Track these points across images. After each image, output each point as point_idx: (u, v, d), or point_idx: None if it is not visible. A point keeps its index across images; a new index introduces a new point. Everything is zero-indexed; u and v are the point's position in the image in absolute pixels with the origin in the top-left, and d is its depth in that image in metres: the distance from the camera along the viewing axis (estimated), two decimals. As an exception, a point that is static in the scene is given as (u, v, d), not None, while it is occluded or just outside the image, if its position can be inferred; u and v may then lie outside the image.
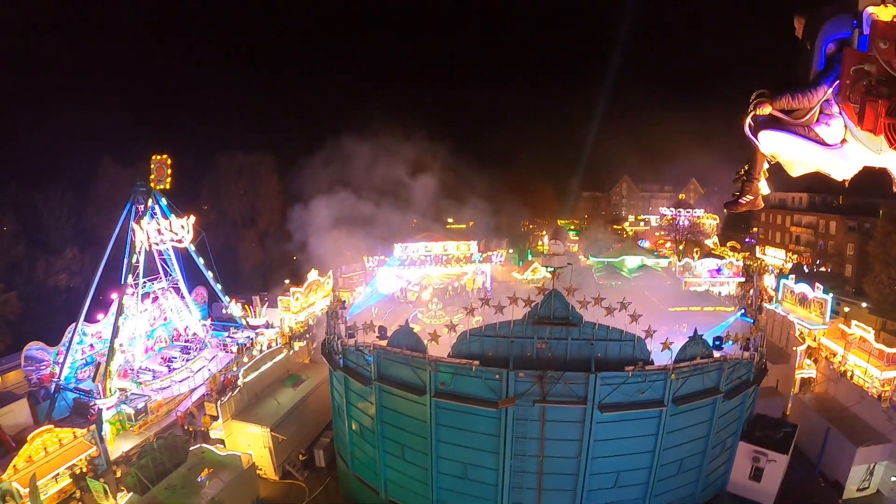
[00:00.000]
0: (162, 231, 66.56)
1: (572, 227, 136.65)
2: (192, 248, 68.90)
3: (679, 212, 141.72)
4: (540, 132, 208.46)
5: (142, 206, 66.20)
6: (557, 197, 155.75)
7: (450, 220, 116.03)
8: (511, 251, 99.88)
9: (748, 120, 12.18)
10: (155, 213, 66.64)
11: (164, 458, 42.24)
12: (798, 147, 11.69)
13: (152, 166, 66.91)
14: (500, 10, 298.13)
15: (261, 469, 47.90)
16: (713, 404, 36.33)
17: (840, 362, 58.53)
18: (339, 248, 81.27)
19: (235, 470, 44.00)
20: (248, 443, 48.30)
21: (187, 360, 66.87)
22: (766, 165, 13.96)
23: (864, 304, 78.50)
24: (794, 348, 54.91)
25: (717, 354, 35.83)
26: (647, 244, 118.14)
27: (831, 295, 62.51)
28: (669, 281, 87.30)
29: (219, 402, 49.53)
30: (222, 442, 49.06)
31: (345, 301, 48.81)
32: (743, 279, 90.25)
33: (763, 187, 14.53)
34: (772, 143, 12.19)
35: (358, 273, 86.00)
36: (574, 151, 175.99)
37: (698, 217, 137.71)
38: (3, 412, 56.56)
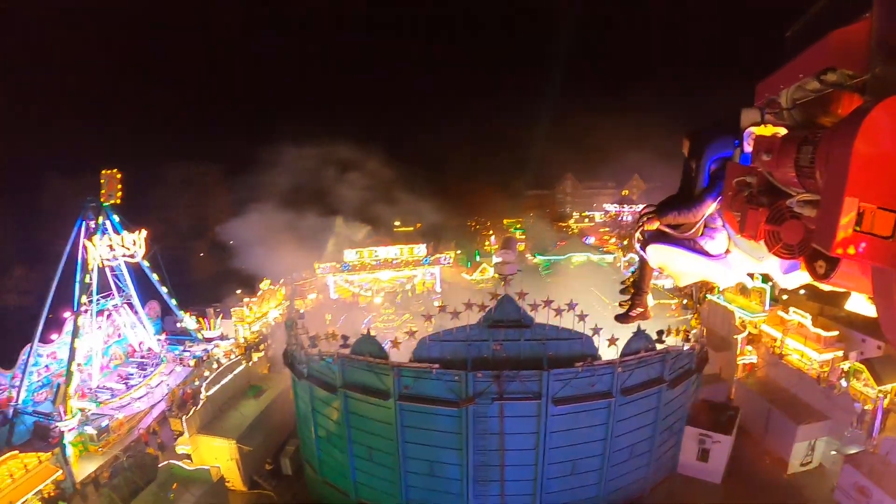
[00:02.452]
0: (114, 247, 67.36)
1: (518, 226, 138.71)
2: (144, 262, 69.99)
3: (623, 208, 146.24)
4: (482, 132, 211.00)
5: (92, 223, 66.96)
6: (503, 196, 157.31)
7: (396, 224, 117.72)
8: (459, 252, 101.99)
9: (637, 234, 13.17)
10: (106, 230, 67.46)
11: (136, 476, 44.23)
12: (685, 259, 12.53)
13: (102, 181, 67.27)
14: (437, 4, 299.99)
15: (229, 481, 49.50)
16: (658, 393, 39.83)
17: (779, 347, 62.90)
18: (290, 255, 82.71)
19: (205, 484, 45.84)
20: (215, 456, 49.78)
21: (144, 376, 68.00)
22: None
23: (801, 291, 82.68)
24: (736, 336, 58.92)
25: (659, 347, 39.25)
26: (592, 241, 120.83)
27: (770, 284, 66.32)
28: (615, 276, 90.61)
29: (183, 418, 51.01)
30: (189, 457, 50.35)
31: (302, 311, 50.93)
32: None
33: (650, 300, 16.01)
34: (660, 256, 13.17)
35: (309, 280, 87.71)
36: (517, 150, 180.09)
37: (646, 206, 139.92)
38: None
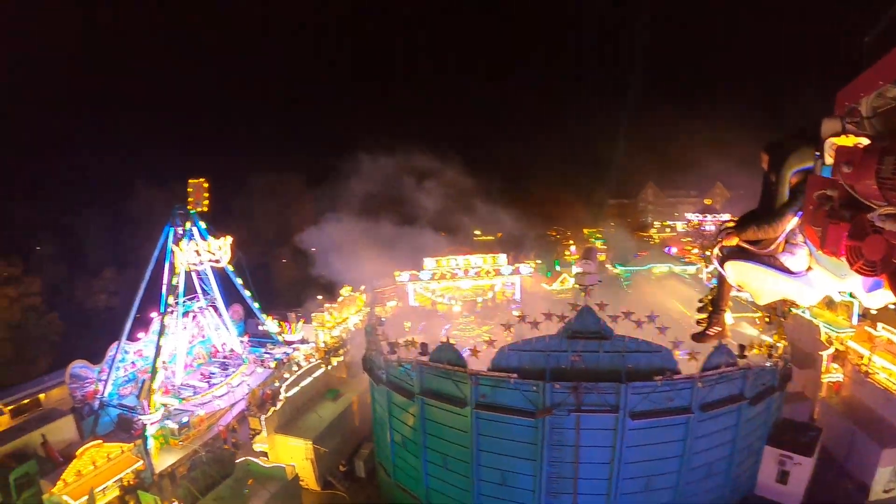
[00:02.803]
0: (200, 252, 69.89)
1: (598, 236, 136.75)
2: (229, 267, 72.26)
3: (705, 217, 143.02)
4: (564, 140, 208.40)
5: (180, 229, 69.70)
6: (583, 205, 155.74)
7: (477, 233, 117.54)
8: (539, 262, 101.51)
9: (715, 251, 13.15)
10: (193, 236, 70.03)
11: (213, 470, 45.69)
12: (764, 276, 12.34)
13: (189, 189, 70.14)
14: (515, 13, 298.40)
15: (303, 480, 50.89)
16: (738, 410, 39.20)
17: (866, 364, 60.86)
18: (371, 263, 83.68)
19: (280, 481, 47.26)
20: (291, 455, 51.31)
21: (226, 376, 70.33)
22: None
23: (891, 306, 79.50)
24: (821, 353, 57.33)
25: (741, 362, 38.68)
26: (674, 251, 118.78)
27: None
28: (697, 288, 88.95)
29: (262, 417, 52.82)
30: (265, 454, 52.27)
31: (382, 318, 51.84)
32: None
33: (728, 318, 15.46)
34: (739, 273, 12.96)
35: (389, 288, 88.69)
36: (599, 158, 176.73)
37: (725, 222, 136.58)
38: (51, 428, 60.18)
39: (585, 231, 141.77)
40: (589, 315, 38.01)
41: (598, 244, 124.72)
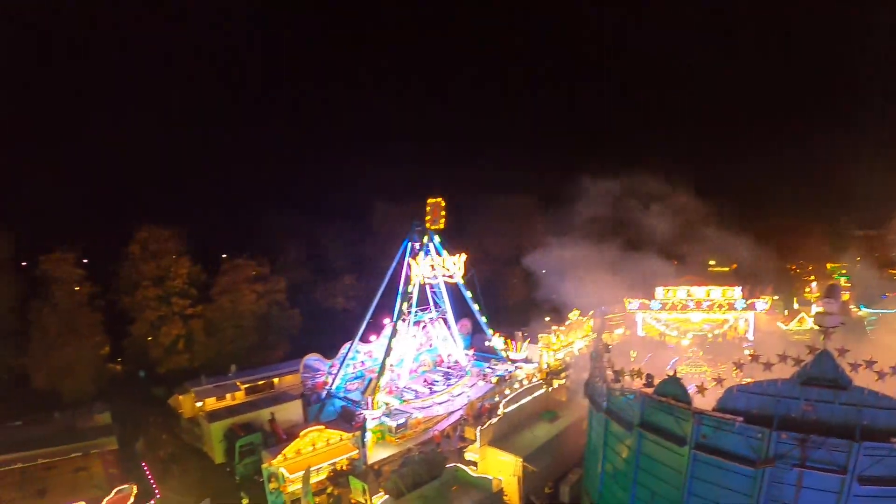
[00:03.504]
0: (435, 267, 74.69)
1: (843, 272, 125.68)
2: (461, 282, 76.33)
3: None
4: (807, 161, 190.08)
5: (417, 244, 75.05)
6: (827, 236, 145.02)
7: (711, 263, 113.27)
8: (776, 297, 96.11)
9: None
10: (429, 251, 74.95)
11: (422, 470, 48.70)
12: None
13: (428, 208, 75.83)
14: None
15: (507, 495, 52.53)
16: None
17: None
18: (599, 288, 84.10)
19: (485, 492, 49.86)
20: (500, 469, 53.50)
21: (448, 385, 74.55)
22: None
23: None
24: None
25: None
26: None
27: None
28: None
29: (478, 428, 55.55)
30: (475, 464, 54.78)
31: (609, 345, 52.64)
32: None
33: None
34: None
35: (618, 315, 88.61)
36: (846, 183, 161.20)
37: None
38: (280, 408, 67.73)
39: (829, 266, 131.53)
40: (827, 361, 35.41)
41: (843, 281, 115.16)
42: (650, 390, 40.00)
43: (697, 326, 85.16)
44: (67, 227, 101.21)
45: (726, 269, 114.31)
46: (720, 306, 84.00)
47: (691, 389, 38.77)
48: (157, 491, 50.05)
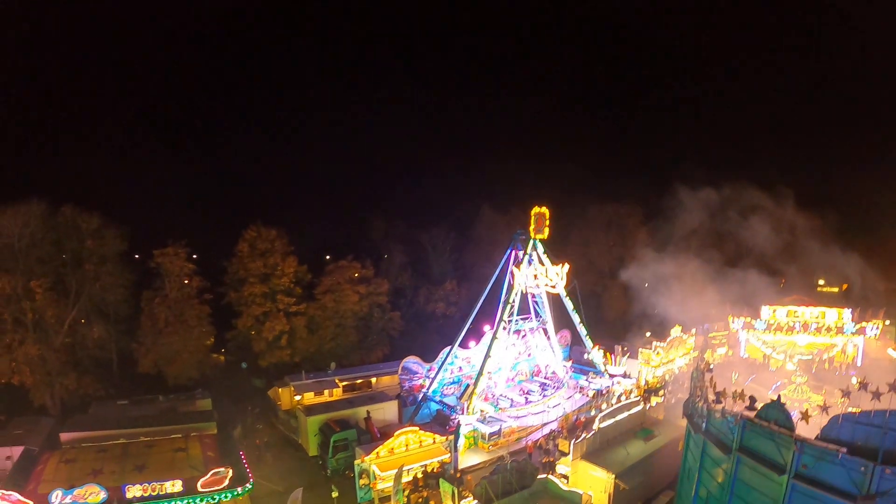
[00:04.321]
0: (538, 276, 74.74)
1: None
2: (563, 293, 76.16)
3: None
4: None
5: (521, 253, 75.36)
6: None
7: (820, 282, 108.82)
8: (888, 323, 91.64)
9: None
10: (532, 260, 75.14)
11: (513, 479, 49.05)
12: None
13: (532, 217, 75.79)
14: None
15: (595, 511, 52.20)
16: None
17: None
18: (702, 304, 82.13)
19: (574, 506, 49.52)
20: (591, 484, 53.19)
21: (544, 395, 74.53)
22: None
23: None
24: None
25: None
26: None
27: None
28: None
29: (572, 441, 55.42)
30: (566, 478, 54.62)
31: (711, 364, 51.57)
32: None
33: None
34: None
35: (721, 334, 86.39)
36: None
37: None
38: (376, 407, 69.40)
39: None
40: (943, 392, 33.58)
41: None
42: (752, 414, 38.75)
43: (804, 350, 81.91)
44: (181, 223, 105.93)
45: (836, 289, 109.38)
46: (828, 329, 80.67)
47: (794, 416, 37.24)
48: (251, 476, 51.98)
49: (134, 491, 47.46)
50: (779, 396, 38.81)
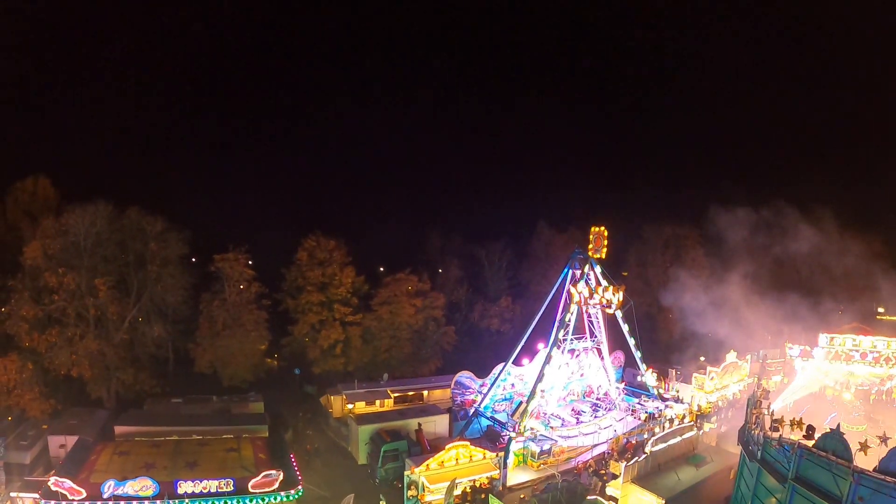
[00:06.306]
0: (594, 296, 74.81)
1: None
2: (620, 315, 76.14)
3: None
4: None
5: (578, 272, 75.65)
6: None
7: (881, 311, 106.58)
8: None
9: None
10: (589, 279, 75.32)
11: (563, 498, 49.48)
12: None
13: (591, 237, 76.26)
14: None
15: (644, 535, 52.28)
16: None
17: None
18: (759, 330, 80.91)
19: (622, 528, 49.72)
20: (639, 508, 53.19)
21: (595, 416, 74.51)
22: None
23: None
24: None
25: None
26: None
27: None
28: None
29: (624, 464, 55.26)
30: (615, 500, 54.50)
31: (768, 391, 51.26)
32: None
33: None
34: None
35: (777, 361, 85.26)
36: None
37: None
38: (428, 420, 70.45)
39: None
40: None
41: None
42: (810, 443, 38.66)
43: (862, 380, 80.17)
44: (242, 230, 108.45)
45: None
46: (887, 360, 78.39)
47: (854, 447, 37.29)
48: (301, 480, 53.21)
49: (185, 487, 49.39)
50: (838, 426, 38.51)
